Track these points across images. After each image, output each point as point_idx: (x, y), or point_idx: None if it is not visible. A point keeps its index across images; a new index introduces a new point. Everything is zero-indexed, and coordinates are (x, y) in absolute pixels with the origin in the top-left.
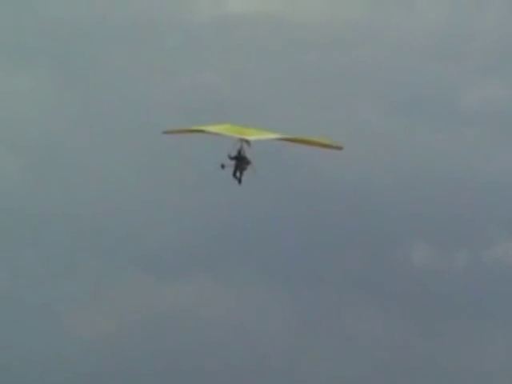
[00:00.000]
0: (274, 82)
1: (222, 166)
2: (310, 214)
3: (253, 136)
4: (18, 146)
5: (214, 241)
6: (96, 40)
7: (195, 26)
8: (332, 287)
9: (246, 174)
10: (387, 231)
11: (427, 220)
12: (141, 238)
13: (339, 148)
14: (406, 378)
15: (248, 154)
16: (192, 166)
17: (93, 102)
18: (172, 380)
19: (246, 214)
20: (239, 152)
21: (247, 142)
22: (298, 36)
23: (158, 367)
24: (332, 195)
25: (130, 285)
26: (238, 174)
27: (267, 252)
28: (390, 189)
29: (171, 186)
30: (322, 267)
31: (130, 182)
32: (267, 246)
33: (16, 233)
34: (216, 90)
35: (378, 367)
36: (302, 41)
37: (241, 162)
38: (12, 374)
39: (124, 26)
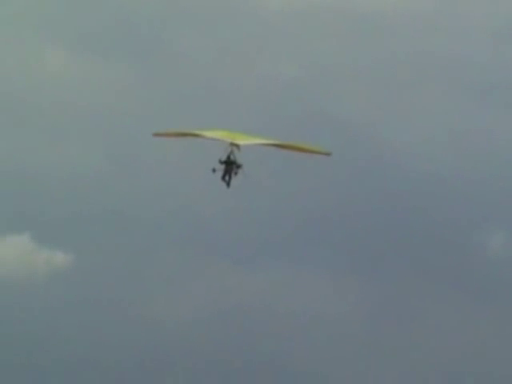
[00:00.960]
0: (348, 71)
1: (213, 170)
2: (388, 200)
3: (242, 141)
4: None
5: (291, 228)
6: (171, 30)
7: (271, 15)
8: (408, 275)
9: (238, 177)
10: (465, 219)
11: (505, 208)
12: (218, 227)
13: (328, 154)
14: (481, 369)
15: (238, 158)
16: None
17: (170, 93)
18: (249, 369)
19: (322, 201)
20: (229, 157)
21: (237, 146)
22: (373, 26)
23: (236, 355)
24: (409, 183)
25: (208, 274)
26: (226, 177)
27: (342, 239)
28: (469, 176)
29: None
30: (397, 255)
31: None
32: (342, 234)
33: (96, 225)
34: (292, 81)
35: (453, 356)
36: (377, 30)
37: (230, 166)
38: (91, 361)
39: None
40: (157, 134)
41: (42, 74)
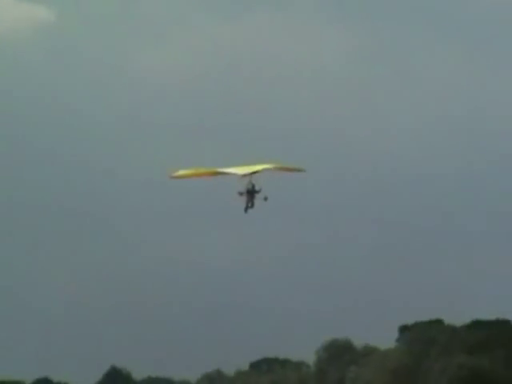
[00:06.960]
0: None
1: (265, 199)
2: None
3: (243, 171)
4: None
5: None
6: None
7: None
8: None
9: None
10: None
11: None
12: None
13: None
14: None
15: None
16: None
17: None
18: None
19: None
20: (253, 186)
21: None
22: None
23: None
24: None
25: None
26: (250, 204)
27: None
28: None
29: None
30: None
31: None
32: None
33: None
34: None
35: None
36: None
37: (251, 194)
38: None
39: None
40: (174, 177)
41: None
